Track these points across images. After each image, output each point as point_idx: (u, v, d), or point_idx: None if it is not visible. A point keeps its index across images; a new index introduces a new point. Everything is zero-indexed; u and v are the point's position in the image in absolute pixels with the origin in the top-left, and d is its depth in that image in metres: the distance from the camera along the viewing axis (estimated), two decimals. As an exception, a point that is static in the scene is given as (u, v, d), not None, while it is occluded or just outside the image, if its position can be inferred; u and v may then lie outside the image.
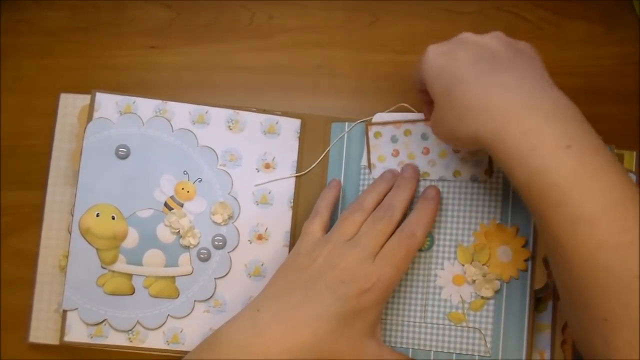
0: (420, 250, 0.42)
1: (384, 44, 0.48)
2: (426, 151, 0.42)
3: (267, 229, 0.44)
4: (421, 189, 0.42)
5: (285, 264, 0.40)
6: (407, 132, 0.43)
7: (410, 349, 0.41)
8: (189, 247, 0.43)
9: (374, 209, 0.40)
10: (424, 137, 0.43)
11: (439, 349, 0.41)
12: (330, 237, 0.39)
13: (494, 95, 0.32)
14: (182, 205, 0.44)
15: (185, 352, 0.39)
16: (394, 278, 0.37)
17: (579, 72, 0.47)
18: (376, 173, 0.43)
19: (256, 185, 0.44)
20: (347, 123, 0.45)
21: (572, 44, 0.47)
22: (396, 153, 0.43)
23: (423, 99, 0.40)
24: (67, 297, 0.43)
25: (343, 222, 0.39)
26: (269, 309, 0.37)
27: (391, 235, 0.38)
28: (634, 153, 0.43)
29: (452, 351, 0.40)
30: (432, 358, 0.41)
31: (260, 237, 0.44)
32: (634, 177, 0.42)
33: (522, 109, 0.31)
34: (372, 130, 0.44)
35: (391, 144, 0.43)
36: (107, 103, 0.44)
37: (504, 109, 0.31)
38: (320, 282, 0.37)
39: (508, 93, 0.32)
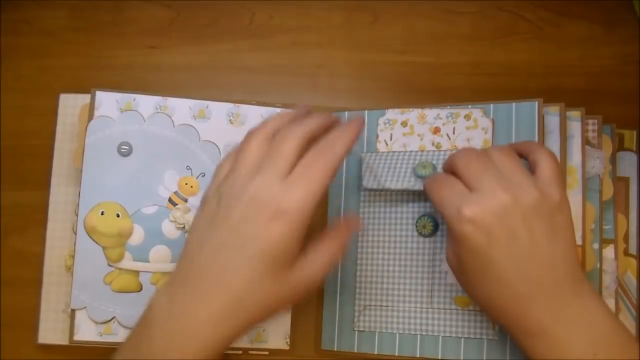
0: (424, 235, 0.41)
1: (384, 44, 0.48)
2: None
3: (272, 221, 0.44)
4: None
5: (198, 211, 0.34)
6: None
7: (419, 335, 0.40)
8: (194, 242, 0.43)
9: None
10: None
11: (447, 334, 0.40)
12: (226, 168, 0.34)
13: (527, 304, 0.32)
14: (186, 201, 0.43)
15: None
16: (307, 200, 0.30)
17: (579, 72, 0.46)
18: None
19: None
20: (347, 113, 0.44)
21: (572, 44, 0.47)
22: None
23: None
24: (75, 296, 0.42)
25: (243, 149, 0.33)
26: (185, 272, 0.32)
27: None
28: (634, 132, 0.43)
29: (459, 335, 0.39)
30: (440, 343, 0.40)
31: (265, 230, 0.44)
32: (634, 157, 0.43)
33: (550, 324, 0.32)
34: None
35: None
36: (108, 101, 0.43)
37: (534, 321, 0.32)
38: (224, 227, 0.31)
39: (537, 303, 0.32)
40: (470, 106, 0.42)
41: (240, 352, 0.43)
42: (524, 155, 0.36)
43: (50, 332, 0.43)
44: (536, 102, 0.40)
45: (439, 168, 0.41)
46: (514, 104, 0.41)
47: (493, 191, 0.33)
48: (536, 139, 0.40)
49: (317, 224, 0.43)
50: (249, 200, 0.31)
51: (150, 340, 0.32)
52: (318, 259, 0.33)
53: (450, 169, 0.36)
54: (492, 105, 0.41)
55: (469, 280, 0.35)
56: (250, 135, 0.34)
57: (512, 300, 0.33)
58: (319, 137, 0.33)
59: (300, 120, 0.33)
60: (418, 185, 0.40)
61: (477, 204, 0.33)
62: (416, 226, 0.42)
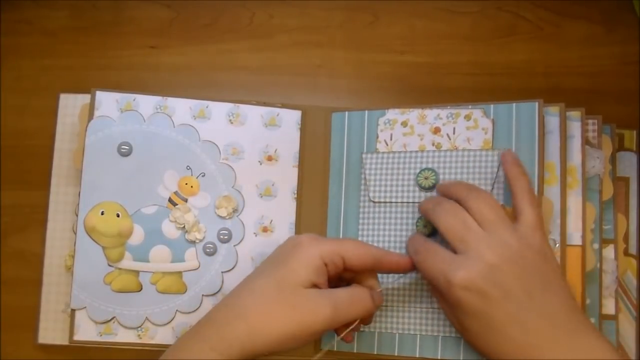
0: (424, 235, 0.40)
1: (384, 44, 0.47)
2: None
3: (271, 221, 0.43)
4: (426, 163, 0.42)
5: None
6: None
7: (418, 335, 0.40)
8: (194, 242, 0.42)
9: None
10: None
11: (447, 334, 0.39)
12: None
13: None
14: (186, 201, 0.43)
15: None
16: (325, 246, 0.35)
17: (579, 72, 0.46)
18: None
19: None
20: (347, 113, 0.44)
21: (572, 44, 0.46)
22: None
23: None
24: (75, 296, 0.41)
25: None
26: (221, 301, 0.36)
27: None
28: (634, 132, 0.43)
29: (459, 335, 0.39)
30: (439, 343, 0.40)
31: (265, 229, 0.43)
32: (634, 157, 0.43)
33: None
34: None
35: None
36: (108, 101, 0.43)
37: None
38: (266, 261, 0.36)
39: (542, 351, 0.32)
40: (470, 106, 0.42)
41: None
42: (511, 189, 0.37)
43: (50, 332, 0.43)
44: (536, 103, 0.40)
45: (441, 173, 0.41)
46: (514, 105, 0.40)
47: (478, 252, 0.33)
48: (536, 140, 0.39)
49: (317, 224, 0.43)
50: (285, 243, 0.36)
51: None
52: (330, 296, 0.34)
53: (429, 219, 0.37)
54: (492, 105, 0.41)
55: (472, 338, 0.35)
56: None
57: (517, 351, 0.33)
58: None
59: None
60: (423, 197, 0.41)
61: (464, 269, 0.33)
62: (416, 226, 0.41)
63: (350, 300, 0.34)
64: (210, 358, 0.32)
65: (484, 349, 0.34)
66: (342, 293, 0.34)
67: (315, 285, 0.34)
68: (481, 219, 0.35)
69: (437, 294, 0.38)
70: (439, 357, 0.40)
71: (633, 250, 0.42)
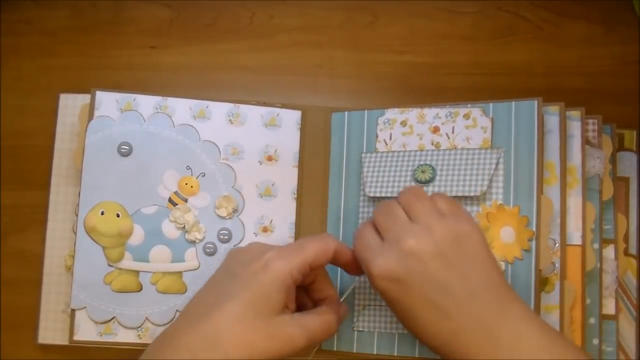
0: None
1: (384, 44, 0.47)
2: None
3: (272, 221, 0.43)
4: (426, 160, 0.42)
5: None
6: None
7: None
8: (194, 242, 0.42)
9: None
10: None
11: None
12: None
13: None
14: (186, 201, 0.42)
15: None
16: (293, 264, 0.34)
17: (579, 72, 0.46)
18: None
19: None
20: (346, 112, 0.44)
21: (572, 44, 0.46)
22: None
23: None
24: (75, 296, 0.41)
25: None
26: (184, 310, 0.36)
27: None
28: (634, 132, 0.43)
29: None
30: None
31: (265, 229, 0.43)
32: (634, 157, 0.43)
33: (481, 352, 0.31)
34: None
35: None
36: (108, 101, 0.43)
37: (468, 352, 0.32)
38: (225, 273, 0.35)
39: (466, 334, 0.32)
40: (469, 105, 0.41)
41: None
42: None
43: (50, 332, 0.43)
44: (535, 101, 0.40)
45: (439, 170, 0.40)
46: (513, 103, 0.40)
47: (397, 240, 0.34)
48: (535, 138, 0.39)
49: (317, 224, 0.43)
50: (248, 255, 0.35)
51: None
52: (299, 323, 0.34)
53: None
54: (491, 104, 0.41)
55: (402, 322, 0.35)
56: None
57: (442, 335, 0.33)
58: None
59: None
60: None
61: (383, 258, 0.34)
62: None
63: (320, 326, 0.35)
64: None
65: (414, 331, 0.34)
66: (312, 320, 0.35)
67: (286, 306, 0.34)
68: (409, 210, 0.35)
69: None
70: (438, 357, 0.39)
71: (633, 250, 0.42)
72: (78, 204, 0.42)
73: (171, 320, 0.42)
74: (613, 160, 0.42)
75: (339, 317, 0.37)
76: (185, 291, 0.42)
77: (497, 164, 0.40)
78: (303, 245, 0.35)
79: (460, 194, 0.40)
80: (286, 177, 0.43)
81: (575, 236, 0.39)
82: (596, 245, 0.40)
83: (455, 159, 0.41)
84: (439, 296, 0.33)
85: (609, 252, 0.41)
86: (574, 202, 0.39)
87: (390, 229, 0.34)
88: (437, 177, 0.40)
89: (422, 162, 0.41)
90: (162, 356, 0.33)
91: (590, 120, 0.41)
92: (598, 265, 0.40)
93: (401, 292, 0.33)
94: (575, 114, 0.40)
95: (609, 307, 0.40)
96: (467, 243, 0.34)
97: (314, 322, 0.35)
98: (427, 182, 0.40)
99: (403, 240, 0.33)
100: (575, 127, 0.40)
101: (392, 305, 0.34)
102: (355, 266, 0.37)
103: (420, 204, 0.35)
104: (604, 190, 0.41)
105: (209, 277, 0.37)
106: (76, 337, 0.41)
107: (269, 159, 0.43)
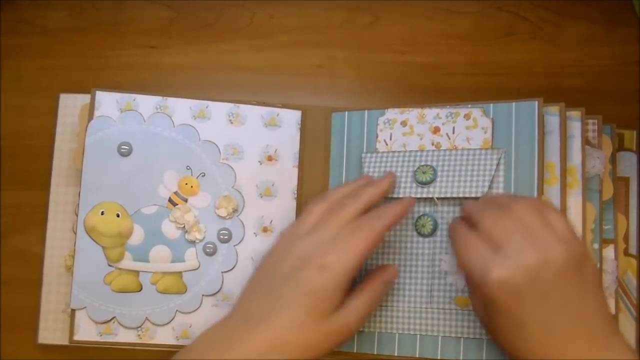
0: (424, 235, 0.41)
1: (384, 44, 0.47)
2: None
3: (272, 221, 0.43)
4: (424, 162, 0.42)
5: (259, 265, 0.38)
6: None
7: (418, 335, 0.40)
8: (194, 242, 0.42)
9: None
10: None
11: (447, 334, 0.39)
12: (289, 230, 0.38)
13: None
14: (186, 201, 0.42)
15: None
16: (351, 261, 0.35)
17: (579, 72, 0.46)
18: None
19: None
20: (346, 112, 0.44)
21: (572, 44, 0.46)
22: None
23: None
24: (75, 296, 0.41)
25: (305, 213, 0.38)
26: (237, 313, 0.36)
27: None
28: (634, 132, 0.43)
29: (459, 335, 0.39)
30: (439, 343, 0.40)
31: (265, 229, 0.43)
32: (634, 157, 0.42)
33: None
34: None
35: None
36: (108, 101, 0.43)
37: None
38: (278, 275, 0.36)
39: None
40: (470, 105, 0.41)
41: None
42: None
43: (50, 332, 0.43)
44: (536, 102, 0.40)
45: (439, 171, 0.40)
46: (513, 104, 0.40)
47: (518, 252, 0.33)
48: (536, 139, 0.39)
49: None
50: (300, 254, 0.35)
51: None
52: (354, 312, 0.36)
53: (470, 219, 0.36)
54: (491, 105, 0.41)
55: (498, 335, 0.35)
56: (313, 202, 0.39)
57: (542, 352, 0.33)
58: (374, 205, 0.38)
59: (360, 191, 0.38)
60: (419, 193, 0.40)
61: (503, 267, 0.33)
62: (416, 226, 0.41)
63: (366, 305, 0.36)
64: None
65: (508, 345, 0.34)
66: (362, 302, 0.36)
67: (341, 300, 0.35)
68: (527, 222, 0.34)
69: (470, 286, 0.38)
70: (439, 357, 0.39)
71: (633, 250, 0.42)
72: (78, 204, 0.42)
73: (171, 321, 0.42)
74: (613, 160, 0.42)
75: (386, 285, 0.38)
76: (185, 291, 0.42)
77: (498, 164, 0.40)
78: (357, 243, 0.35)
79: (461, 195, 0.40)
80: (286, 177, 0.43)
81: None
82: (596, 245, 0.40)
83: (456, 159, 0.41)
84: (554, 316, 0.32)
85: (609, 252, 0.41)
86: (574, 202, 0.39)
87: (510, 240, 0.34)
88: (438, 178, 0.40)
89: (422, 163, 0.41)
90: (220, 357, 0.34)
91: (590, 121, 0.41)
92: (598, 265, 0.40)
93: (517, 305, 0.33)
94: (575, 114, 0.40)
95: (609, 307, 0.40)
96: (585, 268, 0.33)
97: (364, 303, 0.36)
98: (427, 183, 0.40)
99: (528, 253, 0.33)
100: (575, 128, 0.40)
101: (497, 314, 0.34)
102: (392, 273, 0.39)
103: (536, 217, 0.34)
104: (604, 191, 0.41)
105: (257, 271, 0.38)
106: (76, 337, 0.42)
107: (269, 159, 0.43)
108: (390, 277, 0.39)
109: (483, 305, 0.35)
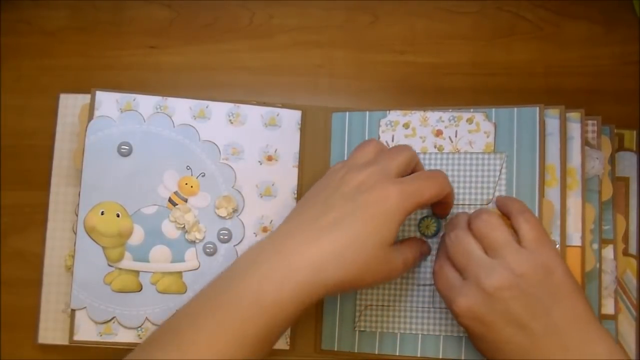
0: (427, 236, 0.41)
1: (384, 44, 0.47)
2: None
3: (272, 221, 0.43)
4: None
5: (304, 196, 0.37)
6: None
7: (420, 334, 0.40)
8: (194, 242, 0.42)
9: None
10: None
11: (448, 333, 0.39)
12: (346, 162, 0.37)
13: None
14: (186, 201, 0.42)
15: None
16: (412, 203, 0.34)
17: (579, 72, 0.46)
18: None
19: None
20: (347, 113, 0.44)
21: (572, 44, 0.46)
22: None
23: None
24: (74, 296, 0.41)
25: (357, 150, 0.38)
26: (287, 226, 0.35)
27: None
28: (634, 132, 0.43)
29: (461, 334, 0.39)
30: (441, 343, 0.40)
31: (265, 230, 0.43)
32: (633, 157, 0.42)
33: None
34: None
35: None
36: (108, 101, 0.43)
37: None
38: (338, 194, 0.35)
39: None
40: (472, 110, 0.42)
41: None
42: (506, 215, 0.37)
43: (50, 332, 0.43)
44: (537, 108, 0.40)
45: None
46: (515, 109, 0.41)
47: (477, 280, 0.34)
48: (537, 144, 0.40)
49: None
50: (363, 180, 0.34)
51: (244, 278, 0.33)
52: (404, 256, 0.36)
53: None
54: (493, 109, 0.41)
55: (486, 355, 0.35)
56: (367, 140, 0.38)
57: None
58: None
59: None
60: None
61: (465, 297, 0.34)
62: (419, 227, 0.41)
63: (414, 257, 0.37)
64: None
65: None
66: (409, 251, 0.37)
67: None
68: (484, 242, 0.35)
69: None
70: (440, 357, 0.39)
71: (632, 250, 0.42)
72: (78, 204, 0.42)
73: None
74: (612, 160, 0.42)
75: (426, 248, 0.39)
76: (185, 291, 0.42)
77: (501, 168, 0.40)
78: (421, 189, 0.34)
79: (467, 202, 0.40)
80: (286, 177, 0.43)
81: (574, 237, 0.39)
82: (595, 246, 0.40)
83: (459, 163, 0.41)
84: (520, 334, 0.33)
85: (608, 252, 0.41)
86: (574, 203, 0.39)
87: (468, 268, 0.34)
88: None
89: (425, 166, 0.41)
90: (279, 262, 0.33)
91: (590, 122, 0.41)
92: (597, 265, 0.40)
93: (484, 330, 0.33)
94: (574, 115, 0.40)
95: (609, 307, 0.40)
96: (551, 277, 0.33)
97: (411, 252, 0.37)
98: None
99: (482, 279, 0.33)
100: (574, 129, 0.40)
101: (474, 340, 0.35)
102: (443, 211, 0.39)
103: (495, 234, 0.34)
104: (603, 191, 0.41)
105: (307, 196, 0.37)
106: (76, 337, 0.41)
107: (269, 159, 0.43)
108: (426, 249, 0.40)
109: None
